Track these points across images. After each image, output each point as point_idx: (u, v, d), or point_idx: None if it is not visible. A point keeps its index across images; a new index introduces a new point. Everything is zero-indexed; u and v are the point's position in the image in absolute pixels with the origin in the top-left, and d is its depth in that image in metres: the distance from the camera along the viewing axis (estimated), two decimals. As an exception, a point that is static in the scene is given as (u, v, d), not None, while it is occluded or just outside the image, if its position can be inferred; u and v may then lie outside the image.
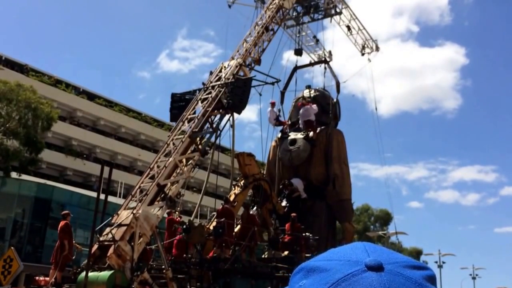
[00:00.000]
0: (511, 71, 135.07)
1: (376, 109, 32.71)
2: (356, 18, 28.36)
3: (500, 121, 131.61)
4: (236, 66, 18.59)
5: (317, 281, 0.93)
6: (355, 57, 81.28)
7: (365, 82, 56.06)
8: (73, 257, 15.15)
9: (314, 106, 23.43)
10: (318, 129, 23.77)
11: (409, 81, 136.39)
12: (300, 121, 23.84)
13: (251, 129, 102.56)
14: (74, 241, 15.25)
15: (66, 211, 15.69)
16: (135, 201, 14.71)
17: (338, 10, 27.14)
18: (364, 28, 29.03)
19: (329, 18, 27.44)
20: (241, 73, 18.72)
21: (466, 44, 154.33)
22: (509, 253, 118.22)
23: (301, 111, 23.63)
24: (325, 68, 26.63)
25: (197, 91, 18.18)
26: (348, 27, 28.10)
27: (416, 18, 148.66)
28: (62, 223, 14.90)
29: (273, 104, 24.14)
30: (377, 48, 29.88)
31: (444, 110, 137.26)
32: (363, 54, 29.54)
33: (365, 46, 29.48)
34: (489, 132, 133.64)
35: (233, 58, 19.27)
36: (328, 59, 27.09)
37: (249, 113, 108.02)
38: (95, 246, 13.55)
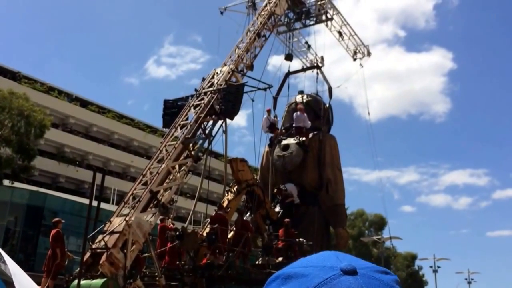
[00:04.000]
0: (499, 74, 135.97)
1: (368, 113, 32.77)
2: (347, 24, 28.51)
3: (491, 125, 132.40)
4: (229, 72, 18.62)
5: (297, 286, 0.96)
6: (341, 62, 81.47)
7: (352, 87, 56.14)
8: (65, 264, 15.06)
9: (304, 114, 23.55)
10: (311, 134, 23.82)
11: (397, 86, 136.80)
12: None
13: (241, 134, 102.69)
14: (66, 249, 15.16)
15: (57, 219, 15.54)
16: (128, 208, 14.66)
17: (329, 16, 27.24)
18: (355, 34, 29.18)
19: (320, 24, 27.52)
20: (234, 79, 18.76)
21: (453, 48, 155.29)
22: (502, 257, 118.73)
23: (294, 115, 23.74)
24: (317, 73, 26.73)
25: (190, 97, 18.19)
26: (340, 33, 28.20)
27: (402, 23, 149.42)
28: (53, 231, 14.80)
29: (268, 112, 24.26)
30: (369, 53, 30.01)
31: (433, 113, 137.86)
32: (355, 60, 29.64)
33: (357, 51, 29.59)
34: (480, 136, 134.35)
35: (225, 64, 19.30)
36: (320, 65, 27.20)
37: (238, 118, 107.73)
38: (88, 254, 13.48)
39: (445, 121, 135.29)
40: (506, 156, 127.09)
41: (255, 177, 21.41)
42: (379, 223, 67.66)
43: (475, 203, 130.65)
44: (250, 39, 20.41)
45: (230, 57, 19.81)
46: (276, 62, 42.39)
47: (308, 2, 26.82)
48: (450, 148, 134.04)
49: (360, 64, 29.61)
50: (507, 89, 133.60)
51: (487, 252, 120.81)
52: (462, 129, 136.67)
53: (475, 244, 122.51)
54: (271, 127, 24.26)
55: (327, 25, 27.61)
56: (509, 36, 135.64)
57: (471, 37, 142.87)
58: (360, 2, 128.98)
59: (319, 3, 26.68)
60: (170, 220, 17.83)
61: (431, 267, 54.93)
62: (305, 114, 23.61)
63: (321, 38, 28.05)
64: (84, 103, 55.20)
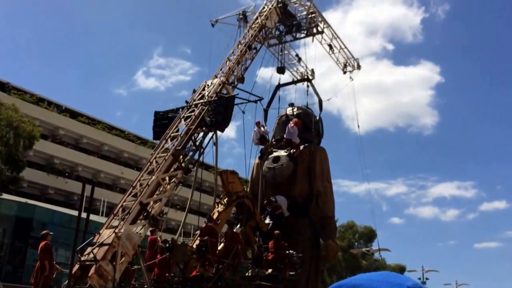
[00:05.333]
0: (485, 87, 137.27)
1: (358, 126, 32.88)
2: (338, 37, 28.68)
3: (478, 137, 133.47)
4: (219, 84, 18.69)
5: None
6: (330, 74, 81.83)
7: (341, 99, 56.28)
8: (53, 276, 14.94)
9: (295, 129, 23.55)
10: (301, 146, 23.86)
11: (385, 98, 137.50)
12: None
13: (230, 146, 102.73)
14: (54, 261, 15.05)
15: (46, 231, 15.46)
16: (118, 219, 14.61)
17: (320, 29, 27.41)
18: (345, 47, 29.36)
19: (311, 37, 27.65)
20: (224, 91, 18.81)
21: (440, 62, 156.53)
22: (489, 269, 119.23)
23: (287, 129, 23.74)
24: (307, 86, 26.83)
25: (180, 109, 18.22)
26: (330, 46, 28.36)
27: (390, 37, 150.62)
28: (42, 243, 14.71)
29: (258, 124, 24.19)
30: (359, 67, 30.15)
31: (421, 126, 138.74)
32: (345, 72, 29.79)
33: (347, 64, 29.75)
34: (467, 148, 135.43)
35: (216, 77, 19.38)
36: (310, 77, 27.32)
37: (228, 130, 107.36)
38: (76, 266, 13.39)
39: (433, 133, 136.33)
40: (492, 168, 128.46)
41: (245, 189, 21.41)
42: (369, 235, 67.71)
43: (462, 215, 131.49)
44: (241, 51, 20.51)
45: (221, 69, 19.89)
46: (266, 74, 42.55)
47: (299, 15, 27.02)
48: (437, 160, 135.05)
49: (350, 77, 29.76)
50: (493, 102, 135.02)
51: (474, 263, 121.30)
52: (450, 142, 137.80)
53: (462, 256, 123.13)
54: (262, 139, 24.26)
55: (317, 38, 27.77)
56: (496, 50, 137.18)
57: (458, 51, 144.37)
58: (348, 16, 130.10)
59: (309, 16, 26.86)
60: (159, 235, 17.72)
61: (419, 279, 55.02)
62: (296, 129, 23.52)
63: (311, 51, 28.06)
64: (74, 114, 55.00)
